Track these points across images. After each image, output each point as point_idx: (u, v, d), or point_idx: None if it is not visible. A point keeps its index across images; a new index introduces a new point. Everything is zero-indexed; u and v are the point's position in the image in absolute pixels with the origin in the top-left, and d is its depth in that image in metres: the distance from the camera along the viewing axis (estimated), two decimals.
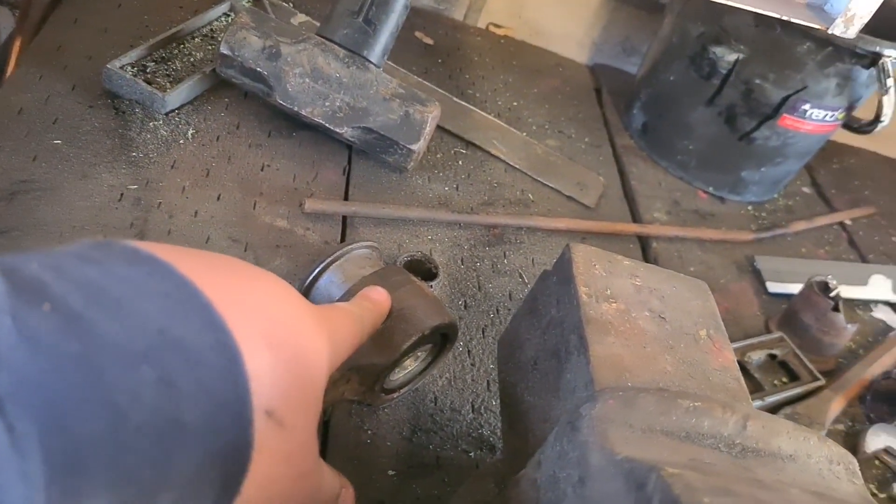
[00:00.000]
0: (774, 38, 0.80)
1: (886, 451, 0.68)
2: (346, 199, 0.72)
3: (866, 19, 0.71)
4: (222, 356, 0.28)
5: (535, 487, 0.38)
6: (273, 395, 0.30)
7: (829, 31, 0.69)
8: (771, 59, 0.82)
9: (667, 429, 0.35)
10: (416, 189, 0.76)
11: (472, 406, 0.58)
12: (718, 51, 0.85)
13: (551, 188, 0.84)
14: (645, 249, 0.82)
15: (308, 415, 0.33)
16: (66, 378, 0.22)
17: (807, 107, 0.84)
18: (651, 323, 0.46)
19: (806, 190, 1.03)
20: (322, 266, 0.54)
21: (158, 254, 0.28)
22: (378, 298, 0.48)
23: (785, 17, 0.67)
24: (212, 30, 0.82)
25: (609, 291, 0.46)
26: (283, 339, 0.32)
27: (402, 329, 0.50)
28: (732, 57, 0.84)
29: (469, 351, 0.62)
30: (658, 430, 0.35)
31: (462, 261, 0.70)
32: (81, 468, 0.22)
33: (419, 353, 0.55)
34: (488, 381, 0.60)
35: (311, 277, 0.54)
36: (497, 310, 0.67)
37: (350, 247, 0.55)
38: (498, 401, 0.59)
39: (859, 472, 0.38)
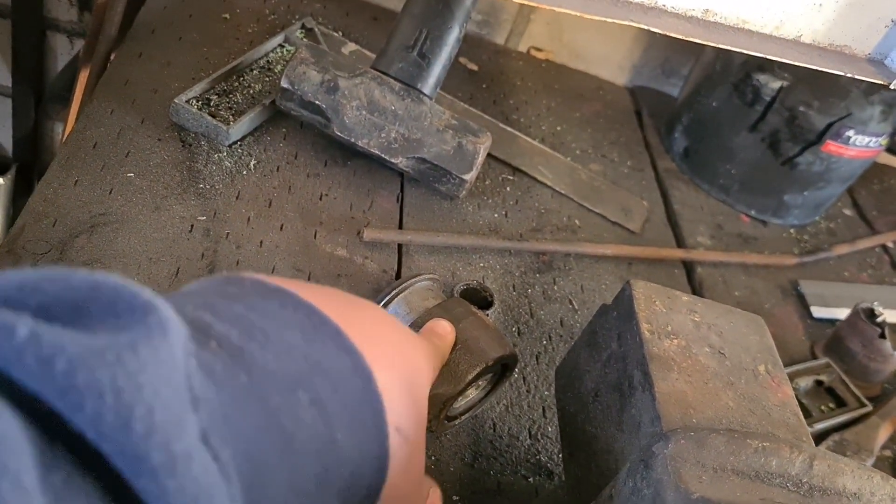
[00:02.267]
0: None
1: None
2: (400, 226, 0.74)
3: None
4: (359, 377, 0.30)
5: None
6: (399, 412, 0.33)
7: (892, 87, 0.70)
8: (815, 86, 0.84)
9: (737, 468, 0.37)
10: (467, 216, 0.78)
11: (530, 432, 0.60)
12: (762, 78, 0.86)
13: (597, 213, 0.86)
14: (690, 274, 0.83)
15: (421, 428, 0.36)
16: (244, 408, 0.24)
17: (850, 133, 0.85)
18: (711, 359, 0.47)
19: (847, 212, 1.04)
20: (388, 297, 0.57)
21: (282, 285, 0.31)
22: (444, 332, 0.50)
23: (849, 75, 0.68)
24: (268, 61, 0.85)
25: (670, 328, 0.48)
26: (398, 359, 0.35)
27: (467, 360, 0.52)
28: (776, 84, 0.86)
29: (524, 378, 0.64)
30: (729, 469, 0.37)
31: (514, 287, 0.72)
32: (265, 489, 0.24)
33: (480, 382, 0.57)
34: (543, 408, 0.62)
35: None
36: (549, 336, 0.69)
37: (414, 279, 0.58)
38: (554, 427, 0.61)
39: None
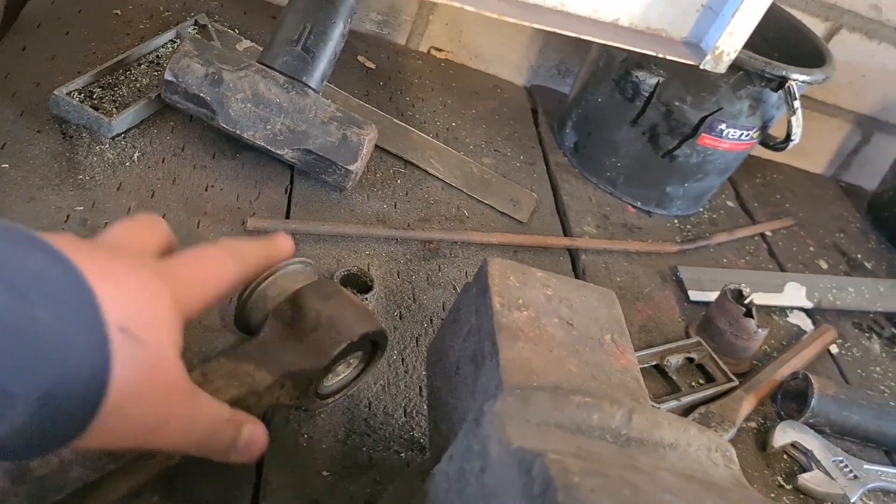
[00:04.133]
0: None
1: (793, 445, 0.73)
2: (287, 217, 0.75)
3: (733, 56, 0.78)
4: (68, 275, 0.32)
5: (447, 479, 0.42)
6: (124, 314, 0.34)
7: (701, 66, 0.77)
8: (688, 82, 0.88)
9: (559, 422, 0.39)
10: (356, 207, 0.80)
11: (405, 410, 0.62)
12: (640, 75, 0.91)
13: (486, 204, 0.88)
14: (574, 262, 0.87)
15: (163, 331, 0.37)
16: None
17: (723, 126, 0.90)
18: (559, 329, 0.50)
19: (730, 203, 1.09)
20: (259, 281, 0.58)
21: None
22: (276, 239, 0.54)
23: (661, 55, 0.74)
24: (158, 56, 0.85)
25: (521, 301, 0.51)
26: (124, 274, 0.37)
27: (332, 337, 0.54)
28: (653, 80, 0.90)
29: (403, 359, 0.66)
30: (552, 423, 0.39)
31: (398, 274, 0.74)
32: None
33: (351, 360, 0.59)
34: (420, 387, 0.64)
35: (245, 293, 0.57)
36: (431, 320, 0.71)
37: (285, 263, 0.59)
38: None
39: (735, 459, 0.43)
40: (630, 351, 0.51)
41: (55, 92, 0.73)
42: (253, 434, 0.45)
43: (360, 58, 1.04)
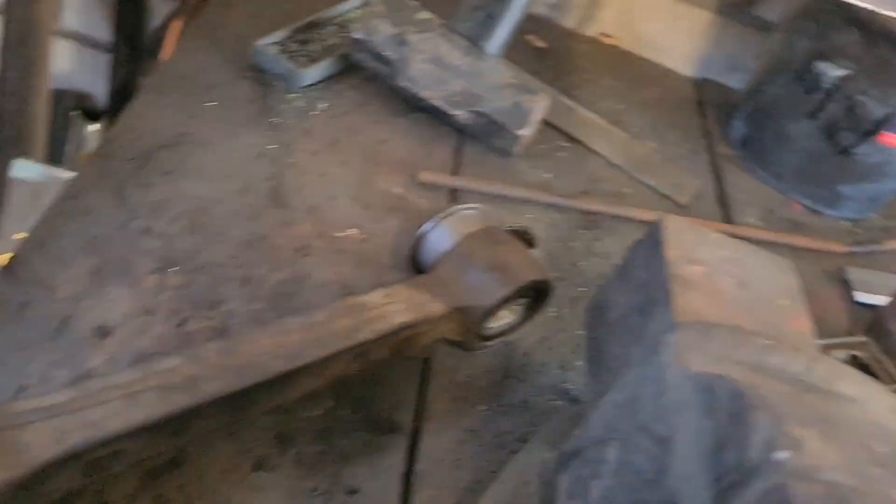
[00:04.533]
0: (880, 55, 0.82)
1: None
2: (454, 175, 0.78)
3: None
4: None
5: (615, 407, 0.42)
6: None
7: None
8: (875, 75, 0.84)
9: (738, 359, 0.39)
10: (519, 174, 0.82)
11: (559, 364, 0.63)
12: (823, 66, 0.88)
13: (647, 185, 0.88)
14: None
15: None
16: None
17: None
18: (733, 287, 0.50)
19: None
20: (431, 225, 0.60)
21: None
22: None
23: None
24: (345, 20, 0.90)
25: (696, 256, 0.51)
26: None
27: (503, 279, 0.56)
28: (837, 73, 0.87)
29: (559, 317, 0.67)
30: (731, 359, 0.39)
31: (558, 239, 0.75)
32: None
33: (515, 307, 0.60)
34: (575, 345, 0.65)
35: (420, 233, 0.60)
36: (587, 286, 0.72)
37: (459, 207, 0.61)
38: (582, 362, 0.64)
39: None
40: (805, 317, 0.50)
41: (256, 43, 0.79)
42: None
43: (531, 37, 1.06)
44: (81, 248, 0.57)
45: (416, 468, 0.52)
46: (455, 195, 0.76)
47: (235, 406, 0.46)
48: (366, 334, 0.50)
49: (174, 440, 0.44)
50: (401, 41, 0.77)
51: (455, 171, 0.79)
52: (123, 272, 0.56)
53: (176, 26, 0.97)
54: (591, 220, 0.79)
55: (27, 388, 0.47)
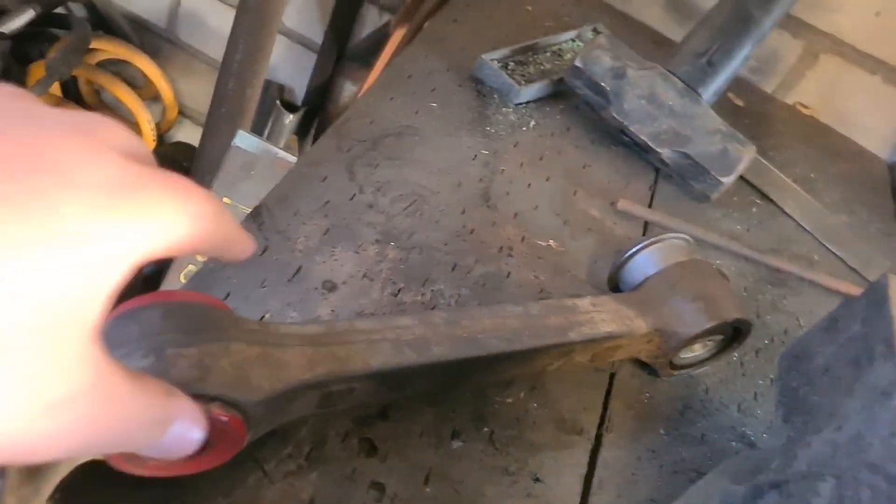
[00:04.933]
0: None
1: None
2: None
3: None
4: None
5: (830, 445, 0.43)
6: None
7: None
8: None
9: None
10: (711, 221, 0.82)
11: (739, 406, 0.63)
12: None
13: (836, 256, 0.86)
14: None
15: (60, 329, 0.22)
16: None
17: None
18: None
19: None
20: (642, 245, 0.62)
21: None
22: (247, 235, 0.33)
23: None
24: (560, 49, 0.94)
25: None
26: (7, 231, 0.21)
27: (709, 311, 0.57)
28: None
29: (742, 363, 0.67)
30: None
31: (745, 290, 0.75)
32: None
33: (709, 342, 0.61)
34: (756, 393, 0.65)
35: (630, 252, 0.62)
36: (772, 339, 0.71)
37: (669, 235, 0.63)
38: (763, 410, 0.63)
39: None
40: None
41: (482, 56, 0.84)
42: (175, 438, 0.32)
43: (730, 94, 1.07)
44: (317, 209, 0.62)
45: (596, 472, 0.53)
46: (648, 228, 0.77)
47: (452, 373, 0.49)
48: (575, 335, 0.52)
49: (394, 392, 0.48)
50: (619, 74, 0.80)
51: (649, 207, 0.80)
52: (350, 238, 0.61)
53: (398, 34, 1.04)
54: (779, 278, 0.79)
55: (266, 320, 0.52)
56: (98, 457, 0.37)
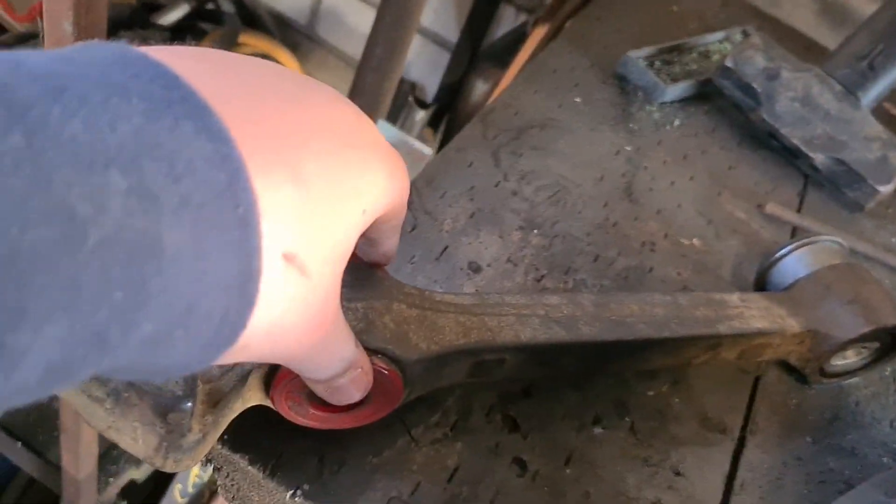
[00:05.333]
0: None
1: None
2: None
3: None
4: (220, 170, 0.22)
5: None
6: (295, 238, 0.25)
7: None
8: None
9: None
10: (864, 231, 0.78)
11: (892, 423, 0.60)
12: None
13: None
14: None
15: (336, 266, 0.29)
16: (3, 174, 0.17)
17: None
18: None
19: None
20: (794, 245, 0.60)
21: (155, 55, 0.23)
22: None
23: None
24: (707, 50, 0.92)
25: None
26: (315, 172, 0.26)
27: (866, 315, 0.54)
28: None
29: (894, 379, 0.64)
30: None
31: None
32: (24, 283, 0.18)
33: (862, 349, 0.58)
34: None
35: (781, 252, 0.60)
36: None
37: (823, 236, 0.61)
38: None
39: None
40: None
41: (629, 53, 0.83)
42: (357, 377, 0.36)
43: (886, 104, 1.02)
44: (463, 193, 0.63)
45: (738, 473, 0.51)
46: (796, 234, 0.74)
47: (598, 355, 0.49)
48: (724, 329, 0.51)
49: (541, 368, 0.48)
50: (772, 75, 0.78)
51: (798, 212, 0.77)
52: (494, 223, 0.62)
53: (538, 33, 1.05)
54: None
55: None
56: (267, 403, 0.39)
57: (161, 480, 1.22)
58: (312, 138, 0.27)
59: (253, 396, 0.39)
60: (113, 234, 0.19)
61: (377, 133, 0.32)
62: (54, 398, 1.12)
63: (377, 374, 0.39)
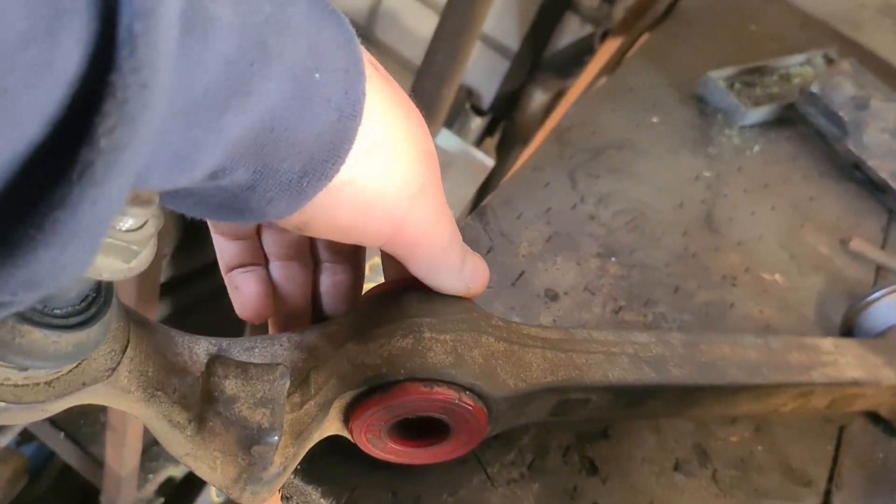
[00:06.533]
0: None
1: None
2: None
3: None
4: (346, 53, 0.27)
5: None
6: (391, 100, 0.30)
7: None
8: None
9: None
10: None
11: None
12: None
13: None
14: None
15: (435, 181, 0.33)
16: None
17: None
18: None
19: None
20: (890, 289, 0.57)
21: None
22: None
23: None
24: (788, 73, 0.89)
25: None
26: (406, 129, 0.31)
27: None
28: None
29: None
30: None
31: None
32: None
33: None
34: None
35: (874, 296, 0.57)
36: None
37: None
38: None
39: None
40: None
41: (709, 73, 0.80)
42: (477, 267, 0.38)
43: None
44: (539, 215, 0.61)
45: None
46: (880, 273, 0.71)
47: (686, 399, 0.46)
48: (818, 376, 0.48)
49: (626, 411, 0.46)
50: (861, 104, 0.74)
51: (882, 249, 0.74)
52: (572, 248, 0.60)
53: (610, 45, 1.02)
54: None
55: None
56: (345, 434, 0.38)
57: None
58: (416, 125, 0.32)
59: (332, 427, 0.38)
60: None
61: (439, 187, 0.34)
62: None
63: (463, 410, 0.37)
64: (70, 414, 1.10)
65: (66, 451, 1.10)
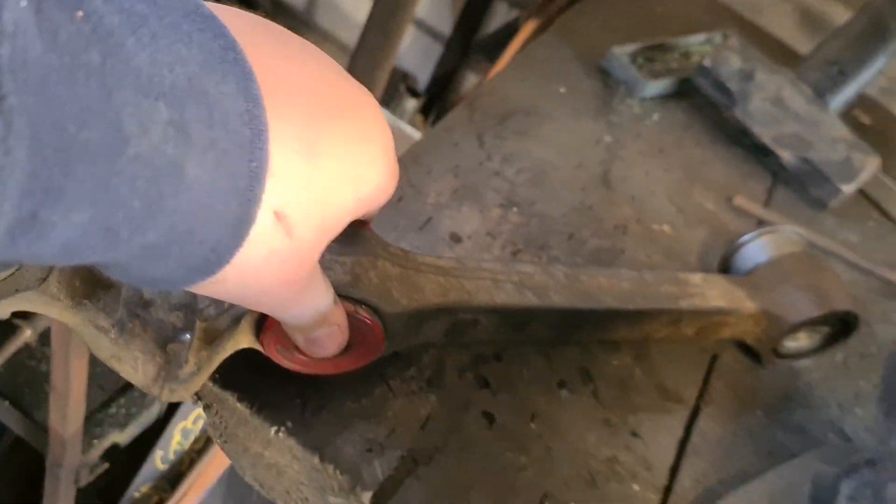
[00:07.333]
0: None
1: None
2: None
3: None
4: (247, 127, 0.26)
5: None
6: (290, 201, 0.29)
7: None
8: None
9: None
10: (826, 228, 0.82)
11: (839, 405, 0.64)
12: None
13: None
14: None
15: (321, 236, 0.33)
16: (75, 82, 0.20)
17: None
18: None
19: None
20: (758, 232, 0.64)
21: (221, 15, 0.27)
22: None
23: None
24: (688, 51, 0.96)
25: None
26: (326, 154, 0.31)
27: (818, 299, 0.58)
28: None
29: (846, 365, 0.67)
30: None
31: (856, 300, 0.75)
32: (69, 171, 0.21)
33: (815, 333, 0.62)
34: (855, 393, 0.65)
35: (744, 239, 0.64)
36: (879, 347, 0.71)
37: (785, 226, 0.65)
38: (862, 410, 0.64)
39: None
40: None
41: (613, 48, 0.87)
42: (327, 335, 0.39)
43: (856, 111, 1.06)
44: (448, 170, 0.67)
45: (691, 439, 0.55)
46: (761, 226, 0.78)
47: (566, 323, 0.53)
48: (686, 304, 0.55)
49: (511, 334, 0.52)
50: (747, 76, 0.82)
51: (764, 207, 0.81)
52: (476, 199, 0.65)
53: (528, 27, 1.08)
54: (891, 291, 0.78)
55: None
56: (257, 346, 0.42)
57: (142, 446, 1.25)
58: (334, 123, 0.31)
59: (244, 339, 0.42)
60: (147, 153, 0.23)
61: (389, 135, 0.37)
62: (44, 360, 1.15)
63: (360, 323, 0.42)
64: (15, 382, 1.13)
65: (10, 419, 1.12)
